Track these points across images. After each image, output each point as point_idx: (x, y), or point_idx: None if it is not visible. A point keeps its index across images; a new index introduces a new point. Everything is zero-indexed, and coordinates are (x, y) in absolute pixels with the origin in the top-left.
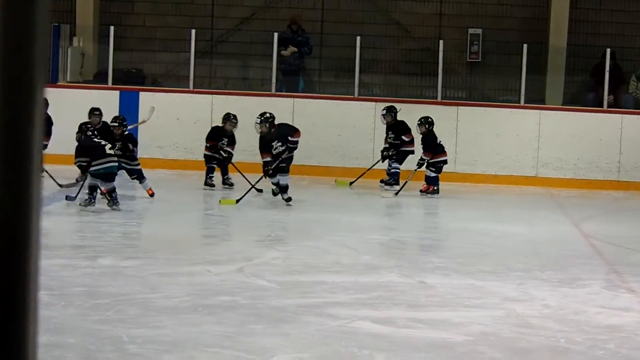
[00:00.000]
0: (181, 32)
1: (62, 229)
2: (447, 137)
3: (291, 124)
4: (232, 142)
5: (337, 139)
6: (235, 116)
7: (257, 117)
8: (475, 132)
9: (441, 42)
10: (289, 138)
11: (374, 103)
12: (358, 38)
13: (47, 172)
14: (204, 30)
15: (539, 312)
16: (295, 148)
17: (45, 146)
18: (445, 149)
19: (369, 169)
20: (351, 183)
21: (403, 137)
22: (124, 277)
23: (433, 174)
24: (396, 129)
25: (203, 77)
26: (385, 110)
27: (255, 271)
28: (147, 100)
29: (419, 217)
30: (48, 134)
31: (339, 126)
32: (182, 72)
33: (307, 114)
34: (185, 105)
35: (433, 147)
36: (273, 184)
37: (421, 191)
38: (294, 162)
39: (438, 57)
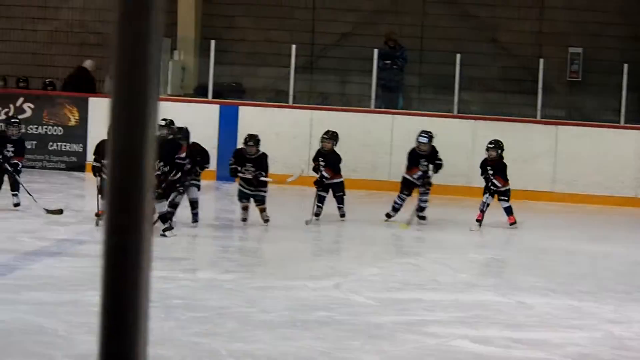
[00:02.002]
0: (281, 47)
1: (161, 241)
2: (546, 156)
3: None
4: (329, 163)
5: None
6: (328, 132)
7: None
8: (574, 152)
9: (541, 60)
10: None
11: (473, 121)
12: (458, 55)
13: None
14: (304, 45)
15: (637, 335)
16: (180, 169)
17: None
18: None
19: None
20: (408, 223)
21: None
22: (222, 291)
23: (507, 203)
24: (431, 156)
25: (302, 92)
26: (426, 138)
27: (352, 287)
28: (246, 114)
29: (516, 237)
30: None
31: (438, 143)
32: (281, 86)
33: (406, 130)
34: (284, 121)
35: (505, 173)
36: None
37: (478, 220)
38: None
39: (538, 75)
